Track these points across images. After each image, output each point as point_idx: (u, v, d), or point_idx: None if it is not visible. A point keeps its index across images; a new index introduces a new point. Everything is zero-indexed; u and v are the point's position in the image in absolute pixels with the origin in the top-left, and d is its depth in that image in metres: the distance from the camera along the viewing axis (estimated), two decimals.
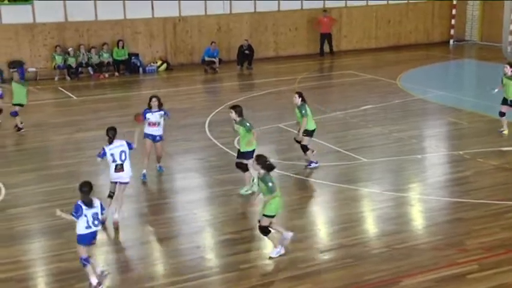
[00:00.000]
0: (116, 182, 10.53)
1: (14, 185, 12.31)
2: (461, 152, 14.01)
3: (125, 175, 10.46)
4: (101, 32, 23.81)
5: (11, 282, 8.80)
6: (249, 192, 11.75)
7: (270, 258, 9.32)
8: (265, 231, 9.33)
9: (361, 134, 15.61)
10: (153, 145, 12.71)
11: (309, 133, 13.02)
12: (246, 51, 24.51)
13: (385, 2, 28.46)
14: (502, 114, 15.15)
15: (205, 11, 25.26)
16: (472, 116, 16.29)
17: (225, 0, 25.32)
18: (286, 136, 15.45)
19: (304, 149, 13.09)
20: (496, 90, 15.34)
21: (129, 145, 10.43)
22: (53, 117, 17.56)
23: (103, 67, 23.57)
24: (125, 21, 24.14)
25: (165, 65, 24.59)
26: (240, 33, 25.53)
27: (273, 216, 9.27)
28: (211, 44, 24.24)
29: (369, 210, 11.32)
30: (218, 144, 14.79)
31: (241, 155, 11.82)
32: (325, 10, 26.57)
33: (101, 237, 10.15)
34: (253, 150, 11.56)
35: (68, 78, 22.93)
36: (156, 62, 24.59)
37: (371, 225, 10.73)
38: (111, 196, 10.59)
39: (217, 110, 17.85)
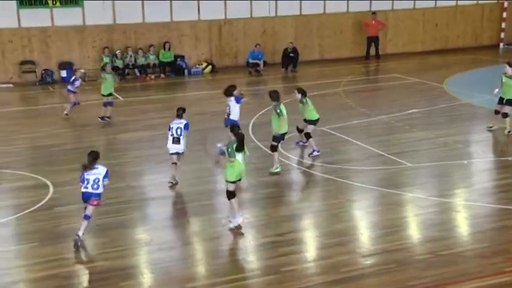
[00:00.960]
0: (174, 153, 12.30)
1: (61, 183, 12.59)
2: (509, 158, 13.71)
3: (180, 147, 12.26)
4: (148, 34, 24.15)
5: (57, 279, 9.00)
6: (278, 170, 12.97)
7: (230, 229, 10.38)
8: (230, 196, 10.44)
9: (405, 138, 15.43)
10: None
11: (312, 122, 14.04)
12: (291, 54, 24.50)
13: (433, 5, 28.06)
14: (496, 112, 15.49)
15: (251, 14, 25.37)
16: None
17: (270, 1, 25.37)
18: (330, 139, 15.40)
19: (307, 136, 14.02)
20: (496, 90, 15.56)
21: (186, 125, 12.15)
22: None
23: (149, 69, 23.91)
24: (171, 23, 24.44)
25: (210, 67, 24.78)
26: (285, 36, 25.54)
27: (233, 182, 10.36)
28: (255, 46, 24.32)
29: (413, 215, 11.18)
30: (262, 146, 14.82)
31: (273, 137, 12.96)
32: (373, 13, 26.34)
33: (143, 236, 10.33)
34: (284, 134, 13.04)
35: None
36: (201, 64, 24.81)
37: (415, 231, 10.59)
38: (175, 163, 12.35)
39: (261, 113, 17.89)
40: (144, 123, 17.26)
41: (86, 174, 9.84)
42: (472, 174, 13.18)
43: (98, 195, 9.88)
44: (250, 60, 24.29)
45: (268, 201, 11.77)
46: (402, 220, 10.92)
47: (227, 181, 10.39)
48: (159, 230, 10.59)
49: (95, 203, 9.90)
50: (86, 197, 9.87)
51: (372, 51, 26.64)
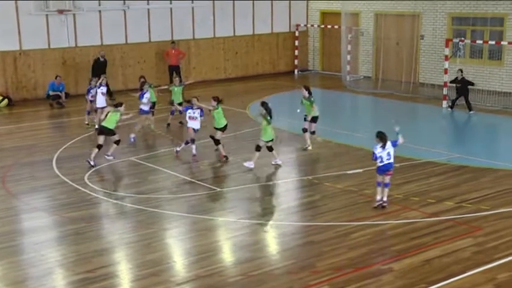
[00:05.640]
0: None
1: None
2: (310, 177, 14.55)
3: None
4: None
5: None
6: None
7: None
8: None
9: (214, 163, 15.74)
10: None
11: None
12: None
13: (232, 34, 29.15)
14: (304, 130, 16.79)
15: (49, 45, 24.41)
16: (319, 142, 17.03)
17: (69, 31, 24.60)
18: (139, 169, 15.23)
19: (99, 147, 15.47)
20: (298, 110, 17.13)
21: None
22: None
23: None
24: None
25: (6, 101, 23.36)
26: (87, 67, 24.89)
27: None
28: (55, 78, 23.43)
29: (225, 239, 11.38)
30: (67, 181, 14.24)
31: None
32: (173, 42, 26.66)
33: None
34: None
35: None
36: None
37: (227, 254, 10.78)
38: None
39: (65, 146, 17.22)
40: None
41: (376, 152, 11.90)
42: (278, 195, 13.77)
43: (392, 164, 12.12)
44: (51, 93, 23.32)
45: (76, 237, 11.27)
46: (214, 245, 11.06)
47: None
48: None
49: (390, 172, 12.11)
50: (385, 169, 12.01)
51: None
